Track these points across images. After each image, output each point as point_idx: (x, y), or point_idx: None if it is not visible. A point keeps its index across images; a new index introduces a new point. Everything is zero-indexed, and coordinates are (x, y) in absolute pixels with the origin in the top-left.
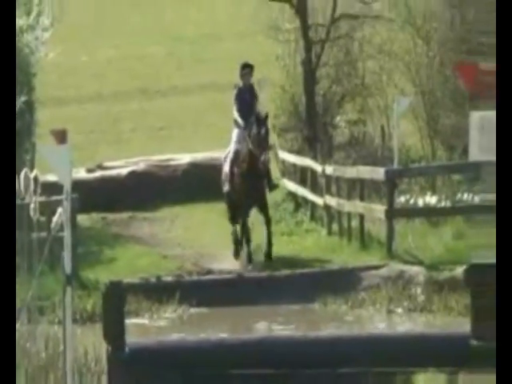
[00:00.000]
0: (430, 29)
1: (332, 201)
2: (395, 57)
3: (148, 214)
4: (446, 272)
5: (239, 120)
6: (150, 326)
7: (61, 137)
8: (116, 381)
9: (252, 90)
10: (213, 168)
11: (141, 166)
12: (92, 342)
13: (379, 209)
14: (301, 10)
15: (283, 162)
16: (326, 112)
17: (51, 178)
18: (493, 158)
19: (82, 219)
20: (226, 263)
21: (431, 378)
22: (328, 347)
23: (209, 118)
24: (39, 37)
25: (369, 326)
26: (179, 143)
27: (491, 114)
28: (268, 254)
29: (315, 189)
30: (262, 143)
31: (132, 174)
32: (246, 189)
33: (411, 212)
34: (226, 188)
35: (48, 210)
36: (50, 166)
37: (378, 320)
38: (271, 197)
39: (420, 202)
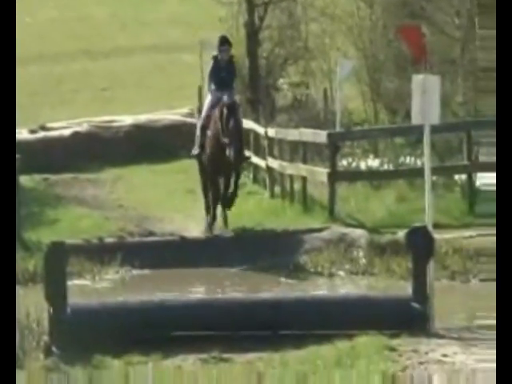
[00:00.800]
0: None
1: (274, 163)
2: (338, 20)
3: (91, 175)
4: (387, 235)
5: (212, 86)
6: (91, 288)
7: None
8: (57, 342)
9: (230, 65)
10: (155, 130)
11: (84, 127)
12: (34, 303)
13: (322, 172)
14: None
15: None
16: (268, 75)
17: None
18: (434, 121)
19: (25, 180)
20: (170, 225)
21: (372, 341)
22: (269, 310)
23: (152, 79)
24: None
25: (310, 288)
26: (122, 104)
27: (433, 77)
28: (224, 224)
29: (258, 151)
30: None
31: (75, 135)
32: (215, 151)
33: (354, 175)
34: (195, 151)
35: None
36: None
37: (320, 283)
38: None
39: (362, 166)
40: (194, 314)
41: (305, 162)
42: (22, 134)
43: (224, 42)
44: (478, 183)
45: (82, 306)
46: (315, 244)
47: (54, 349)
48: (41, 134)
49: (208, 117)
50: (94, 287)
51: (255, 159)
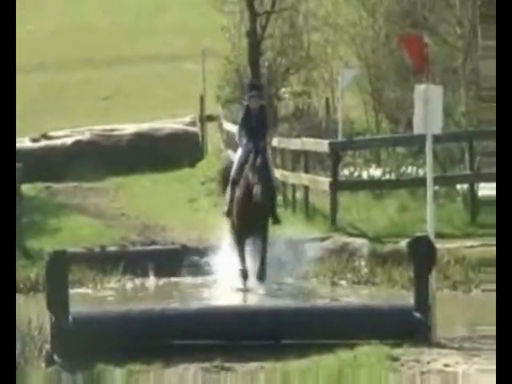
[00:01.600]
0: (375, 1)
1: (276, 172)
2: (340, 29)
3: (93, 184)
4: (389, 245)
5: (242, 139)
6: (93, 296)
7: None
8: (59, 350)
9: (260, 113)
10: (157, 138)
11: (86, 136)
12: (35, 312)
13: (323, 181)
14: None
15: (228, 133)
16: (270, 84)
17: None
18: (437, 131)
19: (27, 189)
20: (171, 234)
21: (374, 350)
22: (271, 319)
23: (153, 88)
24: None
25: (312, 298)
26: (124, 113)
27: (435, 87)
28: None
29: None
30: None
31: (77, 143)
32: (242, 218)
33: (355, 184)
34: (225, 208)
35: None
36: None
37: (322, 292)
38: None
39: (364, 175)
40: (195, 323)
41: (307, 171)
42: (24, 142)
43: (252, 87)
44: (480, 193)
45: (83, 314)
46: (317, 253)
47: (55, 357)
48: (42, 143)
49: (239, 173)
50: (96, 296)
51: None
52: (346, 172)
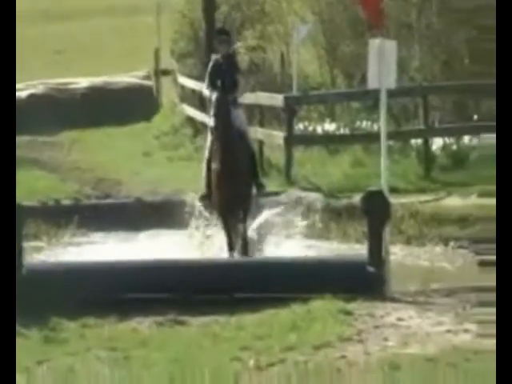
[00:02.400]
0: None
1: None
2: None
3: (47, 137)
4: (344, 199)
5: (212, 95)
6: (47, 250)
7: None
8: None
9: (229, 61)
10: (111, 92)
11: (40, 89)
12: None
13: (278, 135)
14: None
15: (182, 87)
16: None
17: None
18: (391, 85)
19: None
20: (126, 187)
21: (328, 304)
22: (225, 272)
23: (108, 42)
24: None
25: (266, 251)
26: (78, 67)
27: (389, 42)
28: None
29: None
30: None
31: (31, 96)
32: (221, 194)
33: (310, 139)
34: (202, 194)
35: None
36: None
37: (276, 246)
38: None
39: (319, 130)
40: (150, 276)
41: (262, 125)
42: None
43: (222, 32)
44: (433, 147)
45: (37, 266)
46: (272, 207)
47: None
48: None
49: (209, 148)
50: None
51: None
52: (300, 126)
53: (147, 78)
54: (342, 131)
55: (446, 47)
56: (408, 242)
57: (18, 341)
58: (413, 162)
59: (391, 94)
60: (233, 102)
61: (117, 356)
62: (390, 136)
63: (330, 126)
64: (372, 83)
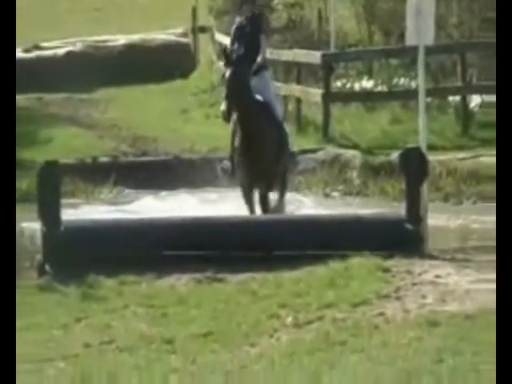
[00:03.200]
0: None
1: None
2: None
3: (84, 95)
4: (381, 157)
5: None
6: (85, 207)
7: None
8: (51, 260)
9: (254, 23)
10: (149, 50)
11: (77, 47)
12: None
13: (316, 92)
14: None
15: (220, 44)
16: None
17: None
18: (429, 42)
19: (19, 99)
20: (163, 145)
21: (366, 261)
22: (263, 229)
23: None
24: None
25: (304, 209)
26: (115, 25)
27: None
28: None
29: None
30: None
31: (69, 54)
32: (243, 174)
33: (348, 96)
34: (227, 169)
35: None
36: None
37: (314, 203)
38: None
39: (356, 87)
40: (187, 234)
41: (299, 82)
42: (16, 52)
43: None
44: (471, 105)
45: (75, 224)
46: (309, 165)
47: (47, 267)
48: (34, 53)
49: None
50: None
51: None
52: (338, 84)
53: (185, 35)
54: (379, 88)
55: (485, 4)
56: (445, 199)
57: (56, 297)
58: (450, 119)
59: (429, 51)
60: (256, 71)
61: (154, 313)
62: (427, 93)
63: (367, 83)
64: (410, 40)
